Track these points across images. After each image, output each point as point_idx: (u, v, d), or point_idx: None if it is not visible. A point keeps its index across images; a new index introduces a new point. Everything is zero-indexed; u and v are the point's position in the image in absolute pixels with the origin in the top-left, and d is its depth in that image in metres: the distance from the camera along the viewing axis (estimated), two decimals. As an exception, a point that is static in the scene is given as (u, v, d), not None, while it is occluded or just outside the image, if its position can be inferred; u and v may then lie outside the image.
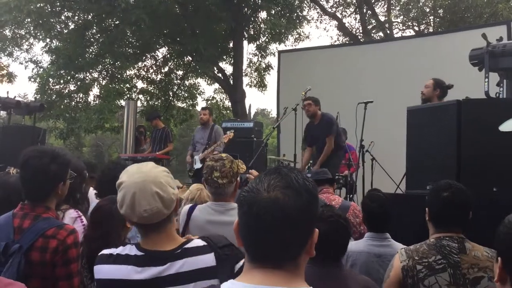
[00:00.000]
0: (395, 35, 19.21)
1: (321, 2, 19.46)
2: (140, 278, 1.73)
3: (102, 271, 1.79)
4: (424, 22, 19.89)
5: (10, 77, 16.96)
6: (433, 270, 2.43)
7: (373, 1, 19.68)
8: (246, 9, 15.00)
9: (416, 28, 19.91)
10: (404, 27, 20.46)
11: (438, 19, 19.53)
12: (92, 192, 3.54)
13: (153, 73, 17.34)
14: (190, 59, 15.99)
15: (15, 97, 8.23)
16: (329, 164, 6.60)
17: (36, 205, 2.28)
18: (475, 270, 2.40)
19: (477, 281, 2.39)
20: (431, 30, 19.24)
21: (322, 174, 4.61)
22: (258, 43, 16.53)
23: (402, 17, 20.24)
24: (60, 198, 2.42)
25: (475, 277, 2.40)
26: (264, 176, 1.22)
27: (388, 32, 19.25)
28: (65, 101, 15.05)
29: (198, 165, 7.94)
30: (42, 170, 2.25)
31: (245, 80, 17.02)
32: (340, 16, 20.16)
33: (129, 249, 1.81)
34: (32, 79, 14.91)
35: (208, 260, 1.78)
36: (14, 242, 2.13)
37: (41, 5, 13.37)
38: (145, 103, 16.92)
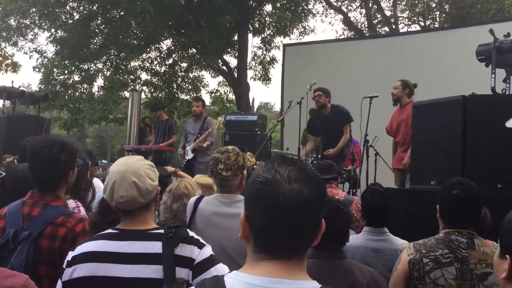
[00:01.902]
0: (401, 30, 19.16)
1: (326, -4, 19.40)
2: (108, 250, 1.88)
3: (78, 248, 1.93)
4: (430, 17, 19.81)
5: (15, 67, 17.01)
6: (439, 264, 2.45)
7: (378, -5, 19.62)
8: (251, 1, 14.95)
9: (422, 24, 19.83)
10: (409, 22, 20.40)
11: (444, 15, 19.45)
12: (98, 182, 3.57)
13: (157, 65, 17.32)
14: (195, 51, 15.96)
15: (19, 87, 8.26)
16: (342, 154, 6.82)
17: (46, 193, 2.29)
18: (483, 266, 2.41)
19: (485, 277, 2.40)
20: (437, 25, 19.16)
21: (329, 170, 4.57)
22: (263, 36, 16.49)
23: (408, 12, 20.16)
24: (69, 186, 2.43)
25: (482, 273, 2.41)
26: (278, 166, 1.19)
27: (394, 27, 19.19)
28: (69, 91, 15.06)
29: (189, 156, 7.92)
30: (52, 159, 2.27)
31: (249, 73, 17.01)
32: (345, 10, 20.11)
33: (108, 230, 1.98)
34: (37, 69, 14.93)
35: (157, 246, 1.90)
36: (24, 229, 2.15)
37: (47, -6, 13.38)
38: (149, 94, 16.93)
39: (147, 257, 1.86)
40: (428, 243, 2.54)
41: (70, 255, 1.91)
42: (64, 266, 1.92)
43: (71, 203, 2.95)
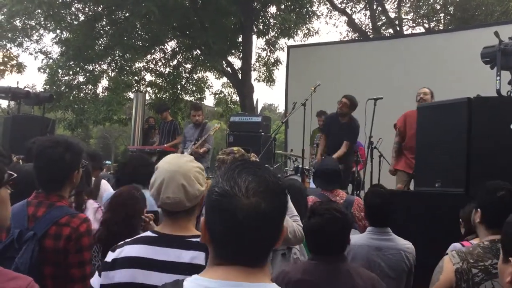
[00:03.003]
0: (405, 32, 19.11)
1: (331, -2, 19.40)
2: (147, 256, 1.82)
3: (118, 251, 1.87)
4: (434, 19, 19.78)
5: (20, 68, 17.08)
6: (490, 275, 2.29)
7: (383, -3, 19.61)
8: (255, 3, 14.98)
9: (427, 26, 19.81)
10: (414, 24, 20.38)
11: (448, 17, 19.42)
12: (105, 183, 3.61)
13: (162, 66, 17.38)
14: (199, 52, 16.00)
15: (24, 87, 8.29)
16: (348, 165, 6.72)
17: (51, 193, 2.30)
18: None
19: None
20: (441, 27, 19.13)
21: (331, 180, 4.52)
22: (267, 37, 16.51)
23: (412, 14, 20.15)
24: (73, 187, 2.44)
25: None
26: (237, 176, 1.17)
27: (398, 29, 19.16)
28: (74, 92, 15.12)
29: None
30: (57, 159, 2.26)
31: (254, 74, 17.03)
32: (350, 12, 20.08)
33: (147, 233, 1.93)
34: (42, 70, 15.01)
35: (201, 257, 1.83)
36: (28, 230, 2.15)
37: (52, -4, 13.45)
38: (153, 96, 16.96)
39: (188, 268, 1.79)
40: (474, 252, 2.39)
41: (111, 256, 1.85)
42: (103, 267, 1.86)
43: (94, 203, 3.00)
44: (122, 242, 1.92)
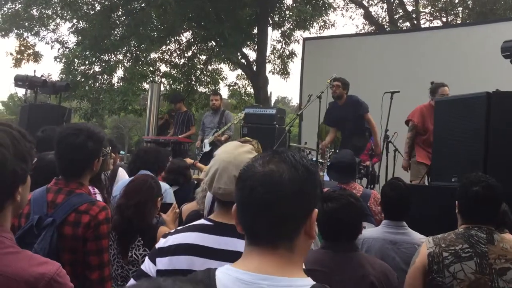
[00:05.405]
0: (422, 26, 18.91)
1: (347, -10, 19.23)
2: (204, 244, 1.78)
3: (172, 238, 1.82)
4: (452, 13, 19.52)
5: (36, 57, 17.19)
6: (459, 258, 2.48)
7: (400, -10, 19.39)
8: (271, -5, 14.90)
9: (444, 19, 19.57)
10: (431, 18, 20.13)
11: (467, 11, 19.15)
12: (121, 170, 3.64)
13: (177, 57, 17.38)
14: (214, 44, 15.98)
15: (41, 76, 8.34)
16: (356, 146, 6.74)
17: (70, 181, 2.31)
18: (502, 261, 2.45)
19: (503, 272, 2.43)
20: (459, 21, 18.88)
21: (345, 173, 4.48)
22: (282, 29, 16.42)
23: (430, 7, 19.91)
24: (94, 174, 2.45)
25: (501, 268, 2.44)
26: (265, 154, 1.23)
27: (415, 22, 18.96)
28: (90, 82, 15.20)
29: (207, 148, 8.03)
30: (79, 147, 2.28)
31: (268, 67, 16.97)
32: (366, 5, 19.88)
33: (201, 221, 1.89)
34: (58, 59, 15.09)
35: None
36: (48, 216, 2.17)
37: (69, -15, 13.53)
38: (167, 86, 17.00)
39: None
40: (447, 238, 2.58)
41: (165, 243, 1.79)
42: (157, 252, 1.79)
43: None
44: (174, 230, 1.89)
